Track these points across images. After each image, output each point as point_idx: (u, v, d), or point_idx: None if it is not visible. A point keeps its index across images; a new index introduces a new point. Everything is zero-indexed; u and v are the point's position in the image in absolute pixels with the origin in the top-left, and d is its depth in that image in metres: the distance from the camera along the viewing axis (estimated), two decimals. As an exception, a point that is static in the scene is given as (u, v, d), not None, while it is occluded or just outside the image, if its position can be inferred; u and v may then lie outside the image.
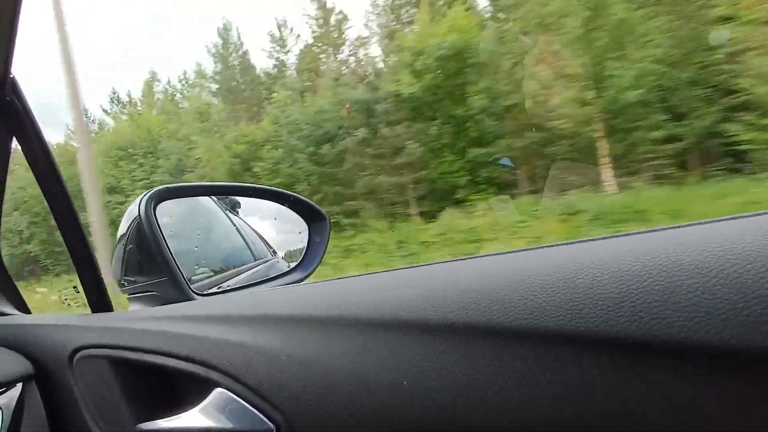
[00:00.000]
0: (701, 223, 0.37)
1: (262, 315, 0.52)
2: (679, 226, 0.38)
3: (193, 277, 0.91)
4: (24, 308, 0.85)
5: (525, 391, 0.35)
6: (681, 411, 0.30)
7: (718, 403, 0.29)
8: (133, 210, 0.81)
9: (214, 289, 0.90)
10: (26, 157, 0.68)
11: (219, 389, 0.51)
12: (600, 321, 0.33)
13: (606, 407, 0.32)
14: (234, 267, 1.11)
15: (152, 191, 0.82)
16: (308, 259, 1.03)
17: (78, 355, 0.63)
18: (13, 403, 0.62)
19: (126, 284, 0.86)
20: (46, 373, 0.65)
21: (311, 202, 1.03)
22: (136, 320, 0.63)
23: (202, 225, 1.07)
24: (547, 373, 0.34)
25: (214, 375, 0.51)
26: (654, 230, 0.40)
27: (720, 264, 0.31)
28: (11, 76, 0.63)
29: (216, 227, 1.12)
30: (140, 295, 0.82)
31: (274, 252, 1.21)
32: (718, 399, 0.29)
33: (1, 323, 0.78)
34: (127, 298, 0.86)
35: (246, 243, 1.18)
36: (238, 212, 1.20)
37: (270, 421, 0.48)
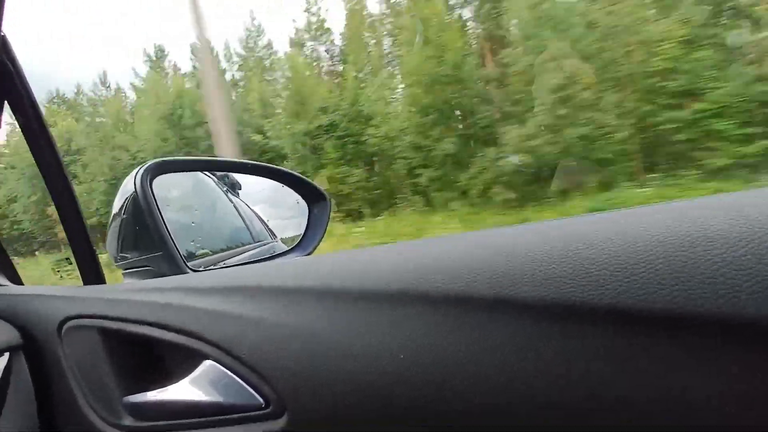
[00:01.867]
0: (730, 195, 0.35)
1: (256, 286, 0.49)
2: (705, 198, 0.35)
3: (190, 256, 0.89)
4: (16, 279, 0.83)
5: (528, 365, 0.33)
6: (700, 385, 0.28)
7: (740, 378, 0.27)
8: (128, 183, 0.80)
9: (211, 268, 0.88)
10: (17, 121, 0.66)
11: (208, 361, 0.49)
12: (617, 293, 0.31)
13: (615, 382, 0.30)
14: (232, 246, 1.09)
15: (148, 164, 0.80)
16: (307, 240, 1.01)
17: (67, 325, 0.61)
18: (0, 372, 0.60)
19: (121, 259, 0.84)
20: (34, 343, 0.64)
21: (312, 182, 1.01)
22: (126, 291, 0.61)
23: (200, 202, 1.05)
24: (552, 345, 0.32)
25: (203, 347, 0.49)
26: (679, 202, 0.37)
27: (748, 233, 0.29)
28: (2, 35, 0.61)
29: (215, 206, 1.10)
30: (135, 270, 0.80)
31: (273, 234, 1.19)
32: (741, 374, 0.27)
33: None
34: (122, 273, 0.85)
35: (245, 223, 1.16)
36: (237, 192, 1.18)
37: (260, 395, 0.46)
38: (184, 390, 0.50)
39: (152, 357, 0.57)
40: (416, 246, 0.46)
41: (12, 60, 0.62)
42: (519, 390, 0.34)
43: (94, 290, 0.66)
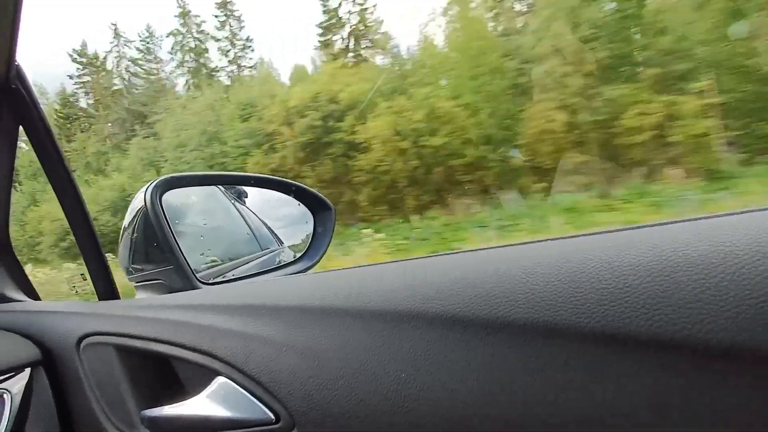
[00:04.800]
0: (709, 217, 0.36)
1: (264, 305, 0.52)
2: (685, 220, 0.37)
3: (201, 266, 0.91)
4: (33, 294, 0.86)
5: (522, 386, 0.35)
6: (682, 409, 0.30)
7: (720, 403, 0.29)
8: (139, 198, 0.82)
9: (220, 278, 0.91)
10: (32, 145, 0.68)
11: (221, 378, 0.51)
12: (601, 317, 0.32)
13: (604, 404, 0.32)
14: (240, 256, 1.12)
15: (158, 180, 0.83)
16: (313, 249, 1.03)
17: (85, 341, 0.64)
18: (22, 388, 0.63)
19: (133, 272, 0.87)
20: (54, 359, 0.66)
21: (316, 192, 1.03)
22: (141, 308, 0.63)
23: (208, 214, 1.08)
24: (545, 368, 0.34)
25: (216, 364, 0.51)
26: (659, 224, 0.39)
27: (727, 260, 0.30)
28: (16, 63, 0.63)
29: (223, 216, 1.12)
30: (147, 283, 0.82)
31: (281, 242, 1.21)
32: (720, 398, 0.29)
33: (10, 309, 0.79)
34: (134, 286, 0.87)
35: (252, 232, 1.18)
36: (244, 201, 1.20)
37: (270, 411, 0.48)
38: (198, 405, 0.52)
39: (167, 373, 0.59)
40: (417, 265, 0.48)
41: (26, 88, 0.65)
42: (515, 410, 0.35)
43: (109, 306, 0.69)
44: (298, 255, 1.05)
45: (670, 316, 0.30)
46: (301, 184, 1.02)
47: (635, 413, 0.31)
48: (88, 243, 0.71)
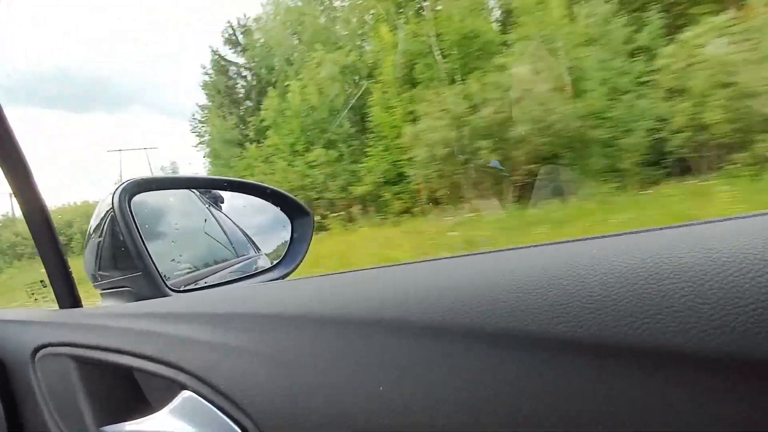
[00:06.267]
0: (697, 224, 0.35)
1: (235, 313, 0.49)
2: (673, 227, 0.36)
3: (174, 273, 0.88)
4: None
5: (507, 396, 0.33)
6: (670, 420, 0.29)
7: (709, 413, 0.28)
8: (106, 202, 0.78)
9: (191, 286, 0.87)
10: None
11: (186, 392, 0.48)
12: (588, 325, 0.31)
13: (591, 415, 0.31)
14: (214, 263, 1.08)
15: (126, 182, 0.79)
16: (291, 256, 1.00)
17: (40, 353, 0.60)
18: None
19: (99, 279, 0.83)
20: (6, 371, 0.62)
21: (294, 198, 1.01)
22: (103, 317, 0.60)
23: (181, 218, 1.04)
24: (530, 378, 0.33)
25: (181, 377, 0.48)
26: (646, 230, 0.38)
27: (715, 267, 0.29)
28: None
29: (196, 221, 1.08)
30: (113, 290, 0.78)
31: (257, 248, 1.18)
32: (709, 408, 0.28)
33: None
34: (100, 294, 0.83)
35: (228, 238, 1.15)
36: (220, 207, 1.16)
37: (239, 427, 0.45)
38: (161, 421, 0.49)
39: (128, 386, 0.55)
40: (397, 271, 0.46)
41: None
42: (500, 421, 0.34)
43: (69, 314, 0.65)
44: (275, 262, 1.02)
45: (659, 325, 0.29)
46: (279, 189, 0.99)
47: (621, 422, 0.30)
48: (47, 246, 0.67)
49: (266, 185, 1.00)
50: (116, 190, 0.77)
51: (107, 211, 0.77)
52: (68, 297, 0.68)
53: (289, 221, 1.01)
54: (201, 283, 0.90)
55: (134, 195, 0.80)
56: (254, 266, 1.11)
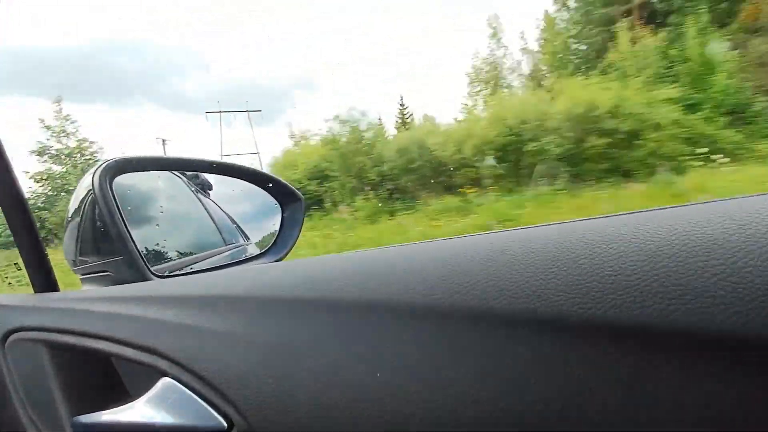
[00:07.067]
0: (728, 200, 0.33)
1: (222, 296, 0.46)
2: (703, 203, 0.34)
3: (159, 259, 0.84)
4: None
5: (518, 384, 0.31)
6: (691, 405, 0.26)
7: (734, 400, 0.25)
8: (86, 182, 0.74)
9: (177, 272, 0.83)
10: None
11: (166, 379, 0.45)
12: (609, 306, 0.28)
13: (608, 400, 0.28)
14: (201, 250, 1.04)
15: (108, 162, 0.75)
16: (281, 243, 0.97)
17: (11, 338, 0.56)
18: None
19: (79, 263, 0.79)
20: None
21: (285, 182, 0.97)
22: (80, 301, 0.56)
23: (166, 202, 1.00)
24: (543, 361, 0.30)
25: (161, 363, 0.45)
26: (661, 209, 0.35)
27: (747, 245, 0.27)
28: None
29: (182, 206, 1.04)
30: (93, 275, 0.75)
31: (246, 237, 1.14)
32: (734, 396, 0.25)
33: None
34: (80, 279, 0.79)
35: (215, 225, 1.11)
36: (207, 192, 1.12)
37: (222, 416, 0.42)
38: (139, 410, 0.45)
39: (105, 373, 0.52)
40: (397, 252, 0.43)
41: None
42: (501, 407, 0.31)
43: (43, 299, 0.61)
44: (266, 248, 0.99)
45: (687, 306, 0.26)
46: (268, 173, 0.96)
47: (641, 408, 0.27)
48: (22, 227, 0.63)
49: (256, 169, 0.96)
50: (96, 169, 0.73)
51: (87, 192, 0.73)
52: (44, 280, 0.64)
53: (279, 206, 0.97)
54: (187, 270, 0.86)
55: (116, 175, 0.76)
56: (242, 254, 1.07)
